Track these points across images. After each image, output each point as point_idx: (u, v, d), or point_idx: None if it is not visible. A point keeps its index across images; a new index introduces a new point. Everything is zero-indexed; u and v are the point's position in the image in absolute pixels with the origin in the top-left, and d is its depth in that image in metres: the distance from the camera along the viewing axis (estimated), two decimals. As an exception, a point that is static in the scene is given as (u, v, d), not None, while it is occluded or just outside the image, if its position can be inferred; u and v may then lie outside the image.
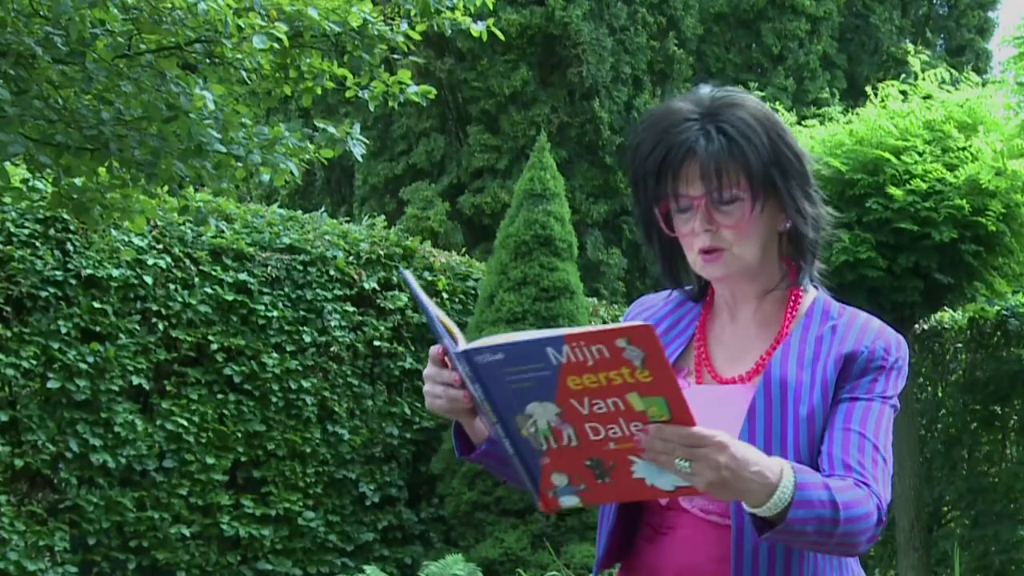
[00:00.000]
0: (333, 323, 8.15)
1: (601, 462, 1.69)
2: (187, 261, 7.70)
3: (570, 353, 1.61)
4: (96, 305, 7.28)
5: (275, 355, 7.90)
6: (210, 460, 7.62)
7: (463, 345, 1.68)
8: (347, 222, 9.02)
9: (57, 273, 7.18)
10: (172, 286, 7.59)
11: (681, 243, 1.93)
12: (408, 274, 1.81)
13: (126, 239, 7.40)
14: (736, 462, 1.65)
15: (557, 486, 1.73)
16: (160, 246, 7.61)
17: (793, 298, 1.96)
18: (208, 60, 5.04)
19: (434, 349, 1.82)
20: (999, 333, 8.54)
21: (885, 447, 1.86)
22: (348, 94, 5.40)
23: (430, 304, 1.74)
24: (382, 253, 8.53)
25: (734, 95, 1.91)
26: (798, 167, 1.90)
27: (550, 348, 1.61)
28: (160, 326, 7.55)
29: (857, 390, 1.88)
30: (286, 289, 8.04)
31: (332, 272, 8.23)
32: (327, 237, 8.34)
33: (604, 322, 9.32)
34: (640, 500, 1.75)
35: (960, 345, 8.78)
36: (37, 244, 7.15)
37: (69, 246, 7.26)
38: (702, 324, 2.01)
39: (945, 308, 8.27)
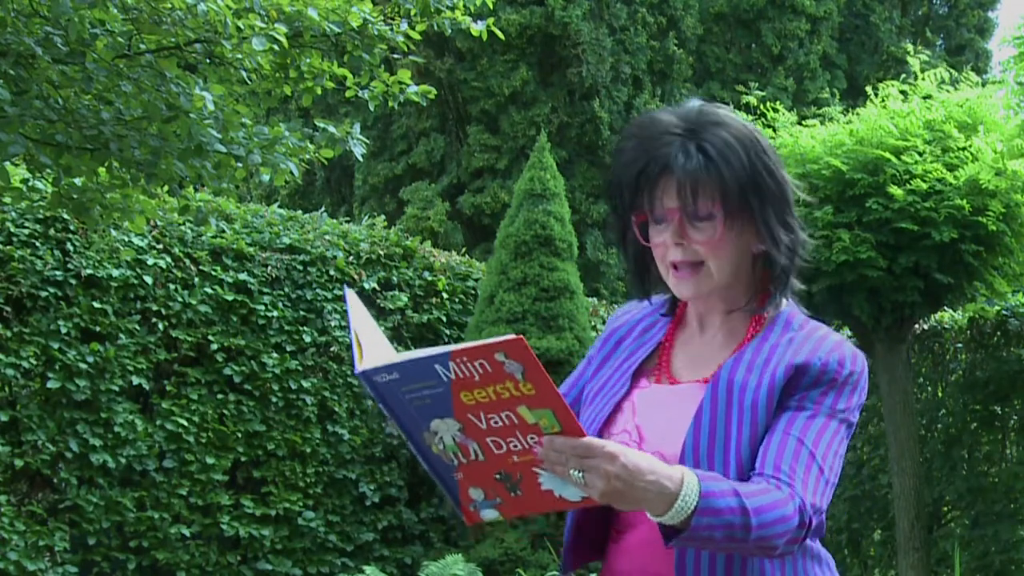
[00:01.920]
0: (333, 323, 8.15)
1: (510, 476, 1.73)
2: (187, 261, 7.70)
3: (457, 369, 1.64)
4: (96, 305, 7.28)
5: (275, 355, 7.90)
6: (210, 460, 7.62)
7: (360, 365, 1.70)
8: (347, 222, 9.01)
9: (57, 273, 7.18)
10: (172, 286, 7.59)
11: (654, 253, 1.95)
12: (349, 293, 1.83)
13: (126, 239, 7.40)
14: (628, 472, 1.66)
15: (476, 500, 1.76)
16: (160, 246, 7.61)
17: (756, 320, 1.98)
18: (208, 60, 5.04)
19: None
20: (999, 333, 8.53)
21: (824, 457, 1.86)
22: (348, 94, 5.40)
23: (352, 319, 1.76)
24: (382, 253, 8.53)
25: (720, 114, 1.92)
26: (777, 193, 1.90)
27: (438, 365, 1.65)
28: (160, 326, 7.55)
29: (805, 400, 1.88)
30: (286, 289, 8.04)
31: (332, 272, 8.23)
32: (327, 237, 8.34)
33: (604, 322, 9.32)
34: (555, 511, 1.77)
35: (960, 345, 8.77)
36: (37, 244, 7.15)
37: (69, 246, 7.26)
38: (671, 330, 2.04)
39: (945, 308, 8.27)
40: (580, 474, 1.67)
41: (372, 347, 1.74)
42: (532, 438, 1.68)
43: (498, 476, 1.73)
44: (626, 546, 1.96)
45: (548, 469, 1.69)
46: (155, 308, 7.53)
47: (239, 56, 4.90)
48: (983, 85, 7.51)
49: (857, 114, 7.37)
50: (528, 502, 1.74)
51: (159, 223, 7.45)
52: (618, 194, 1.95)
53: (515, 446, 1.70)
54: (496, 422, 1.68)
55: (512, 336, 1.62)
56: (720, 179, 1.86)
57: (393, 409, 1.73)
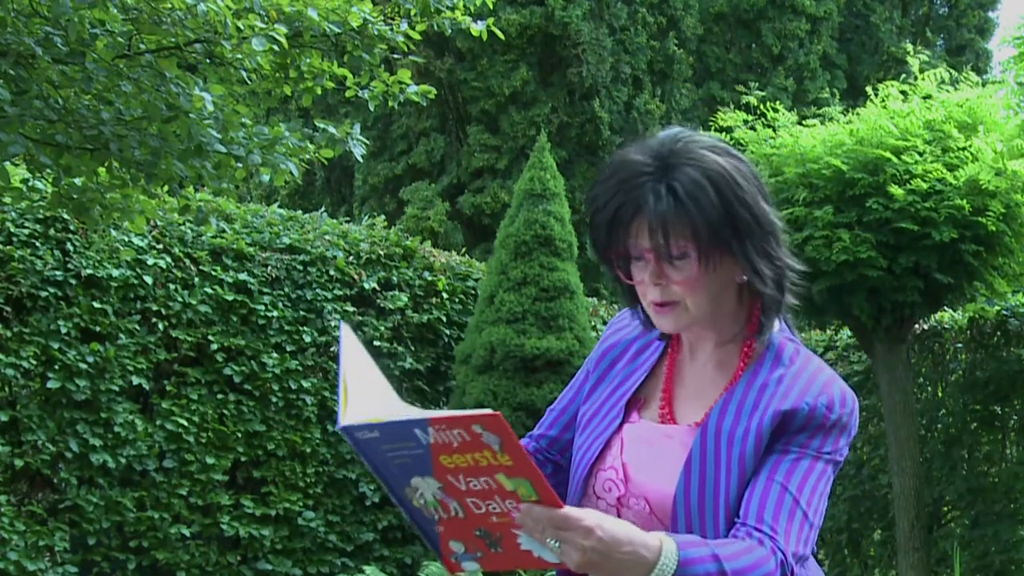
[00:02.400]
0: (333, 323, 8.15)
1: (489, 533, 1.74)
2: (187, 261, 7.70)
3: (436, 435, 1.65)
4: (96, 305, 7.28)
5: (275, 355, 7.90)
6: (210, 460, 7.62)
7: (342, 421, 1.71)
8: (347, 222, 9.01)
9: (57, 273, 7.18)
10: (172, 286, 7.59)
11: (636, 290, 1.95)
12: (344, 329, 1.82)
13: (126, 239, 7.40)
14: (604, 544, 1.67)
15: (456, 552, 1.78)
16: (160, 246, 7.61)
17: (747, 347, 1.97)
18: (208, 60, 5.04)
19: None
20: (999, 333, 8.53)
21: (808, 501, 1.86)
22: (348, 94, 5.40)
23: (343, 362, 1.77)
24: (382, 253, 8.53)
25: (692, 148, 1.89)
26: (753, 225, 1.88)
27: (417, 429, 1.66)
28: (160, 326, 7.55)
29: (791, 444, 1.88)
30: (286, 289, 8.04)
31: (332, 272, 8.23)
32: (327, 237, 8.34)
33: (604, 322, 9.32)
34: (536, 568, 1.78)
35: (960, 345, 8.77)
36: (37, 244, 7.15)
37: (69, 246, 7.26)
38: (671, 359, 2.04)
39: (945, 308, 8.26)
40: (557, 544, 1.68)
41: (361, 396, 1.74)
42: (511, 503, 1.69)
43: (478, 532, 1.74)
44: None
45: (526, 533, 1.71)
46: (155, 308, 7.53)
47: (239, 56, 4.90)
48: (983, 85, 7.51)
49: (857, 114, 7.37)
50: (508, 558, 1.76)
51: (159, 223, 7.45)
52: (596, 236, 1.95)
53: (494, 508, 1.71)
54: (475, 485, 1.69)
55: (489, 411, 1.62)
56: (691, 219, 1.85)
57: (374, 463, 1.74)
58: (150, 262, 7.49)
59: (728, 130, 7.59)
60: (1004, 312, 8.47)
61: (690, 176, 1.86)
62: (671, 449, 1.93)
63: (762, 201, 1.91)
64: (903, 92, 7.38)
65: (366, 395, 1.75)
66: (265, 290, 7.95)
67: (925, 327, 8.84)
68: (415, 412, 1.68)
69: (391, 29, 5.16)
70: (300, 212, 8.73)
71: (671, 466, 1.91)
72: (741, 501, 1.86)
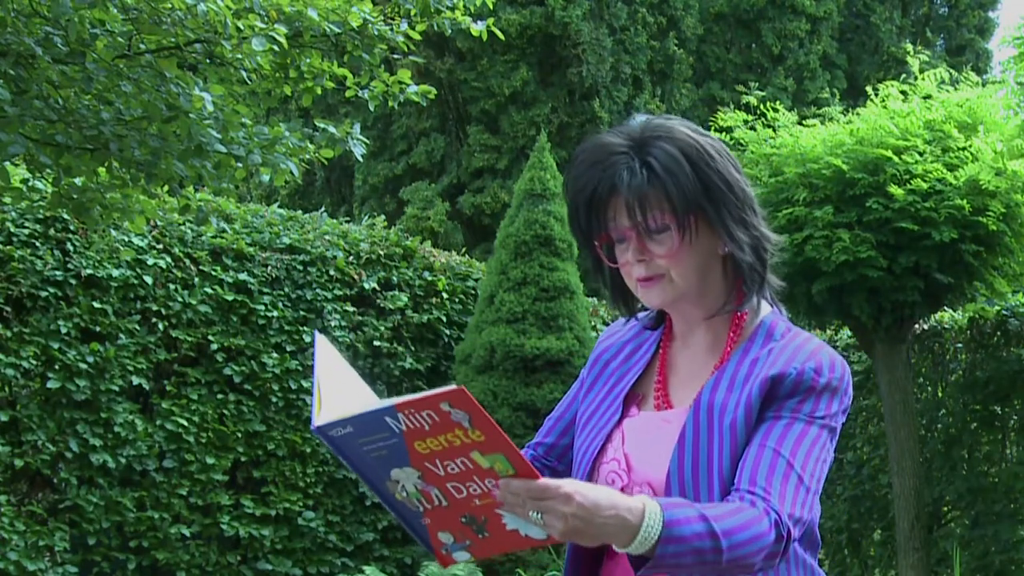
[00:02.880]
0: (333, 323, 8.15)
1: (475, 518, 1.74)
2: (187, 261, 7.70)
3: (406, 420, 1.65)
4: (96, 305, 7.28)
5: (275, 355, 7.90)
6: (210, 460, 7.62)
7: (316, 421, 1.71)
8: (347, 222, 9.01)
9: (57, 273, 7.18)
10: (172, 286, 7.59)
11: (621, 272, 1.96)
12: (318, 338, 1.82)
13: (126, 239, 7.40)
14: (585, 509, 1.67)
15: (446, 544, 1.78)
16: (160, 246, 7.61)
17: (736, 321, 1.98)
18: (208, 60, 5.04)
19: None
20: (999, 333, 8.53)
21: (803, 465, 1.85)
22: (348, 94, 5.40)
23: (317, 368, 1.77)
24: (382, 253, 8.53)
25: (664, 125, 1.93)
26: (728, 194, 1.91)
27: (387, 417, 1.66)
28: (160, 326, 7.55)
29: (782, 410, 1.88)
30: (286, 289, 8.04)
31: (332, 272, 8.23)
32: (327, 237, 8.34)
33: (604, 322, 9.32)
34: (525, 548, 1.78)
35: (960, 345, 8.77)
36: (37, 244, 7.16)
37: (69, 246, 7.26)
38: (663, 351, 2.05)
39: (945, 308, 8.27)
40: (539, 515, 1.68)
41: (334, 397, 1.74)
42: (490, 482, 1.69)
43: (464, 519, 1.74)
44: (620, 561, 1.95)
45: (509, 511, 1.71)
46: (155, 308, 7.53)
47: (239, 56, 4.90)
48: (983, 85, 7.51)
49: (857, 114, 7.37)
50: (497, 542, 1.76)
51: (159, 223, 7.45)
52: (575, 220, 1.96)
53: (475, 490, 1.71)
54: (453, 468, 1.69)
55: (454, 387, 1.62)
56: (665, 190, 1.88)
57: (353, 461, 1.74)
58: (150, 262, 7.49)
59: (728, 130, 7.59)
60: (1004, 312, 8.47)
61: (664, 150, 1.89)
62: (669, 433, 1.93)
63: (735, 171, 1.94)
64: (903, 92, 7.39)
65: (340, 395, 1.75)
66: (265, 290, 7.95)
67: (925, 327, 8.84)
68: (380, 402, 1.68)
69: (391, 29, 5.17)
70: (300, 212, 8.73)
71: (669, 449, 1.91)
72: (735, 473, 1.85)
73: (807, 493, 1.85)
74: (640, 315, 2.08)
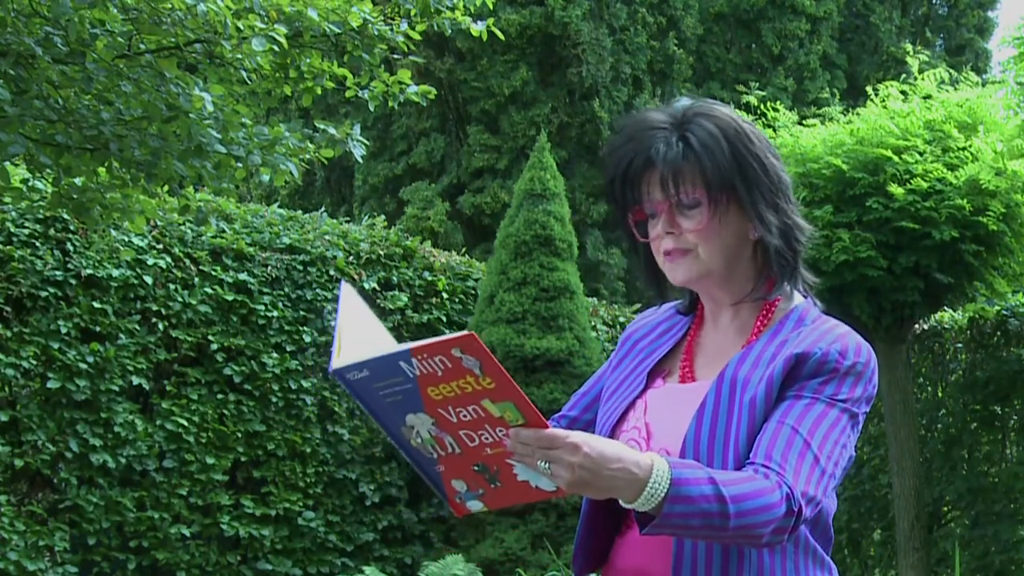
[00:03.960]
0: (333, 323, 8.13)
1: (487, 467, 1.76)
2: (187, 261, 7.70)
3: (420, 365, 1.68)
4: (96, 305, 7.28)
5: (275, 355, 7.90)
6: (210, 460, 7.62)
7: (333, 363, 1.74)
8: (347, 222, 9.01)
9: (57, 273, 7.18)
10: (172, 286, 7.59)
11: (651, 247, 1.98)
12: (344, 287, 1.85)
13: (126, 239, 7.40)
14: (592, 460, 1.68)
15: (460, 492, 1.80)
16: (160, 246, 7.61)
17: (766, 308, 1.99)
18: (208, 60, 5.04)
19: None
20: (999, 333, 8.54)
21: (820, 446, 1.84)
22: (348, 94, 5.40)
23: (341, 316, 1.80)
24: (382, 253, 8.53)
25: (707, 106, 1.95)
26: (763, 178, 1.93)
27: (402, 362, 1.69)
28: (160, 326, 7.55)
29: (804, 389, 1.88)
30: (286, 289, 8.04)
31: (332, 272, 8.23)
32: (327, 237, 8.34)
33: (604, 322, 9.32)
34: (535, 500, 1.80)
35: (960, 345, 8.77)
36: (37, 244, 7.15)
37: (69, 246, 7.26)
38: (693, 332, 2.06)
39: (945, 308, 8.27)
40: (547, 465, 1.70)
41: (354, 343, 1.76)
42: (500, 431, 1.71)
43: (476, 468, 1.76)
44: (627, 542, 1.97)
45: (518, 461, 1.72)
46: (155, 308, 7.53)
47: (239, 56, 4.90)
48: (983, 85, 7.51)
49: (857, 114, 7.38)
50: (508, 493, 1.78)
51: (159, 223, 7.45)
52: (612, 192, 1.98)
53: (486, 438, 1.73)
54: (465, 416, 1.72)
55: (464, 332, 1.65)
56: (700, 165, 1.90)
57: (370, 405, 1.76)
58: (150, 262, 7.49)
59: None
60: (1004, 312, 8.48)
61: (703, 127, 1.91)
62: (691, 403, 1.94)
63: (772, 157, 1.95)
64: (903, 92, 7.39)
65: (360, 341, 1.77)
66: (265, 290, 7.95)
67: (925, 327, 8.84)
68: (397, 346, 1.70)
69: (391, 29, 5.17)
70: (300, 212, 8.72)
71: (689, 418, 1.92)
72: (751, 447, 1.85)
73: (822, 474, 1.84)
74: (672, 302, 2.09)
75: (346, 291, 1.83)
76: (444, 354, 1.66)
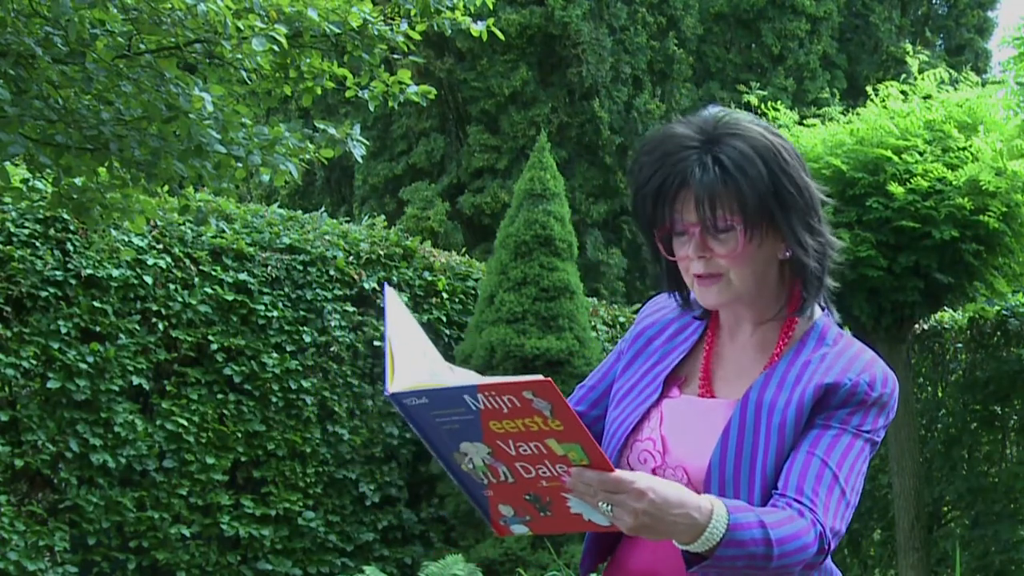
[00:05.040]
0: (333, 323, 8.15)
1: (539, 497, 1.74)
2: (187, 261, 7.70)
3: (485, 401, 1.66)
4: (96, 305, 7.27)
5: (275, 355, 7.90)
6: (210, 460, 7.62)
7: (391, 387, 1.71)
8: (347, 222, 9.01)
9: (57, 273, 7.18)
10: (172, 286, 7.59)
11: (679, 266, 1.95)
12: (389, 292, 1.83)
13: (126, 239, 7.40)
14: (656, 507, 1.67)
15: (505, 515, 1.78)
16: (160, 246, 7.61)
17: (788, 324, 1.97)
18: (208, 60, 5.04)
19: None
20: (999, 333, 8.54)
21: (847, 478, 1.86)
22: (348, 94, 5.40)
23: (389, 326, 1.78)
24: (382, 253, 8.53)
25: (738, 123, 1.91)
26: (799, 199, 1.89)
27: (467, 396, 1.66)
28: (160, 326, 7.55)
29: (832, 419, 1.88)
30: (286, 289, 8.04)
31: (332, 272, 8.23)
32: (327, 237, 8.34)
33: (604, 322, 9.32)
34: (585, 531, 1.79)
35: (960, 345, 8.77)
36: (37, 244, 7.15)
37: (69, 246, 7.26)
38: (710, 341, 2.03)
39: (945, 308, 8.27)
40: (609, 508, 1.68)
41: (407, 361, 1.74)
42: (561, 467, 1.69)
43: (528, 497, 1.74)
44: (638, 545, 1.96)
45: (577, 497, 1.71)
46: (155, 308, 7.52)
47: (239, 56, 4.90)
48: (983, 85, 7.51)
49: (857, 114, 7.38)
50: (558, 523, 1.76)
51: (159, 223, 7.44)
52: (640, 210, 1.94)
53: (544, 472, 1.71)
54: (525, 450, 1.69)
55: (541, 377, 1.62)
56: (738, 191, 1.86)
57: (423, 429, 1.74)
58: (150, 262, 7.48)
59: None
60: (1004, 312, 8.47)
61: (737, 148, 1.87)
62: (712, 422, 1.93)
63: (806, 176, 1.92)
64: (903, 92, 7.39)
65: (413, 360, 1.74)
66: (265, 290, 7.95)
67: (925, 327, 8.84)
68: (464, 378, 1.69)
69: (391, 29, 5.16)
70: (300, 212, 8.72)
71: (712, 438, 1.91)
72: (778, 473, 1.86)
73: (847, 507, 1.86)
74: (693, 299, 2.05)
75: (391, 299, 1.80)
76: (514, 394, 1.64)
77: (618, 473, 1.67)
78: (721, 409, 1.94)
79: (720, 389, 1.98)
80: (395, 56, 5.48)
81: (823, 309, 2.01)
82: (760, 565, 1.75)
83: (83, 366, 7.20)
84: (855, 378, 1.89)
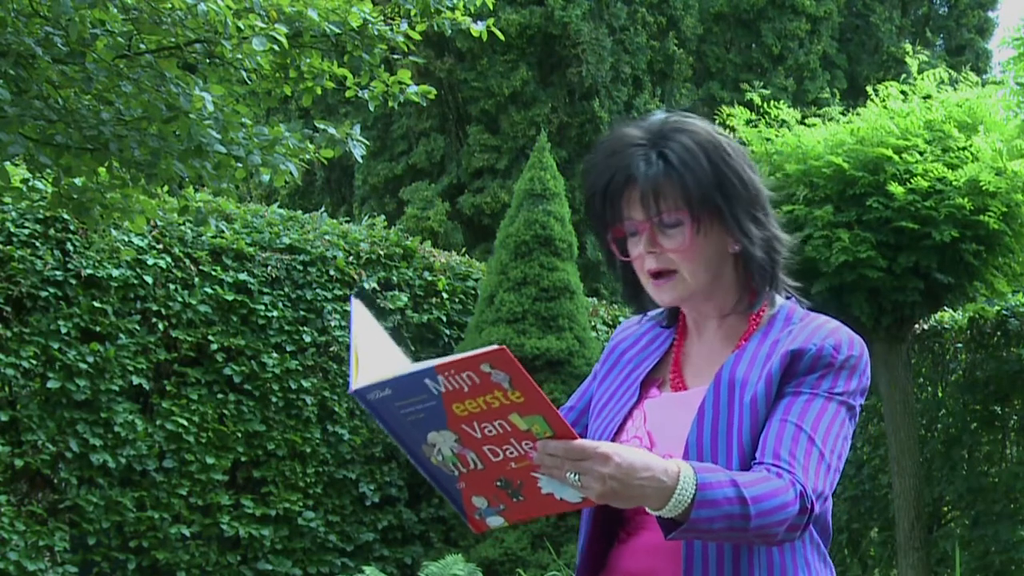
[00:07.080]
0: (333, 323, 8.15)
1: (510, 482, 1.75)
2: (187, 261, 7.70)
3: (446, 382, 1.67)
4: (96, 305, 7.28)
5: (275, 355, 7.90)
6: (210, 460, 7.62)
7: (353, 384, 1.72)
8: (347, 222, 9.01)
9: (57, 273, 7.18)
10: (172, 286, 7.59)
11: (634, 266, 1.98)
12: (355, 303, 1.83)
13: (126, 239, 7.40)
14: (622, 471, 1.68)
15: (480, 508, 1.79)
16: (160, 246, 7.61)
17: (753, 319, 2.00)
18: (208, 60, 5.04)
19: None
20: (999, 333, 8.54)
21: (824, 440, 1.87)
22: (348, 94, 5.40)
23: (354, 332, 1.78)
24: (382, 253, 8.53)
25: (684, 121, 1.96)
26: (742, 191, 1.93)
27: (427, 379, 1.68)
28: (160, 326, 7.55)
29: (802, 386, 1.90)
30: (286, 289, 8.04)
31: (332, 272, 8.23)
32: (327, 237, 8.34)
33: (604, 322, 9.32)
34: (558, 513, 1.78)
35: (960, 345, 8.77)
36: (37, 244, 7.15)
37: (69, 246, 7.26)
38: (679, 342, 2.06)
39: (945, 308, 8.27)
40: (576, 476, 1.69)
41: (372, 362, 1.75)
42: (527, 444, 1.70)
43: (499, 483, 1.75)
44: (635, 547, 1.97)
45: (545, 473, 1.72)
46: (155, 308, 7.52)
47: (239, 56, 4.90)
48: (983, 85, 7.51)
49: (858, 114, 7.38)
50: (531, 506, 1.77)
51: (159, 223, 7.44)
52: (592, 211, 1.98)
53: (511, 453, 1.72)
54: (490, 431, 1.70)
55: (495, 347, 1.64)
56: (682, 183, 1.90)
57: (390, 424, 1.75)
58: (150, 262, 7.49)
59: (731, 129, 7.59)
60: (1004, 312, 8.48)
61: (682, 143, 1.92)
62: (690, 408, 1.95)
63: (750, 170, 1.96)
64: (903, 92, 7.39)
65: (377, 360, 1.76)
66: (265, 290, 7.95)
67: (925, 327, 8.84)
68: (420, 364, 1.69)
69: (391, 29, 5.17)
70: (300, 212, 8.73)
71: (691, 421, 1.93)
72: (755, 447, 1.87)
73: (828, 469, 1.86)
74: (651, 313, 2.09)
75: (357, 308, 1.81)
76: (472, 370, 1.65)
77: (581, 440, 1.69)
78: (696, 395, 1.96)
79: (692, 380, 2.01)
80: (395, 56, 5.48)
81: (788, 299, 2.03)
82: (739, 526, 1.74)
83: (83, 366, 7.20)
84: (819, 343, 1.91)
